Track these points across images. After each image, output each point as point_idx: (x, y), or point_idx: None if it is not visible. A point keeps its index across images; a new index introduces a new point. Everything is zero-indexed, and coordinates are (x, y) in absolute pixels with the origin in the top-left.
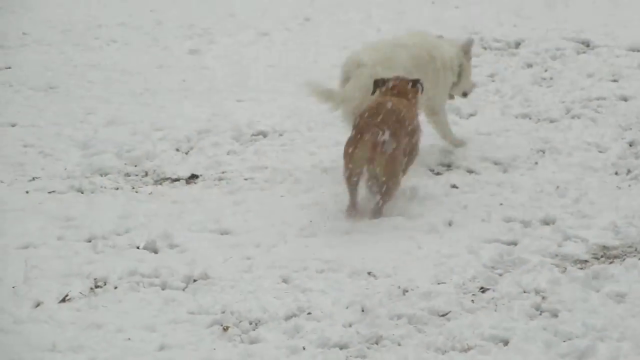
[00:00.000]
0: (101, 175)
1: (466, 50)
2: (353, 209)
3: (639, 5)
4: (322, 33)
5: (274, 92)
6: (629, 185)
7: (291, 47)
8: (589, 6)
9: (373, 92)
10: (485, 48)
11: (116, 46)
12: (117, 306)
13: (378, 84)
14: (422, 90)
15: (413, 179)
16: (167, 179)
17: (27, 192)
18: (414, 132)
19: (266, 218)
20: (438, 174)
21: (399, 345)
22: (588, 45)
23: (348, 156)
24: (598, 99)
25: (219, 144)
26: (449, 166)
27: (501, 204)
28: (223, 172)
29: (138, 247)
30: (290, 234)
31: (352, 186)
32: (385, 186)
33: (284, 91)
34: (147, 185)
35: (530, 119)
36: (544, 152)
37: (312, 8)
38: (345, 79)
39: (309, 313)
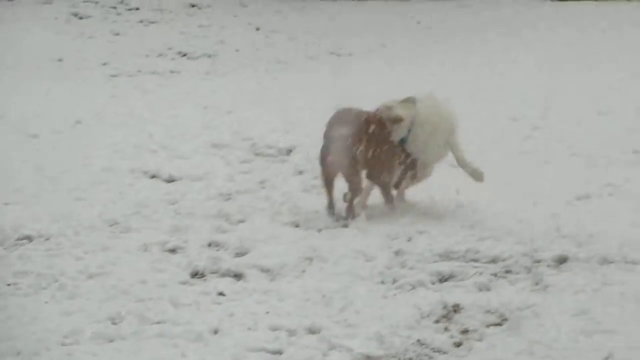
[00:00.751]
0: None
1: None
2: (331, 209)
3: None
4: (92, 136)
5: (40, 195)
6: (395, 295)
7: (61, 149)
8: None
9: None
10: (257, 154)
11: None
12: None
13: None
14: None
15: (178, 286)
16: None
17: None
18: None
19: (28, 325)
20: (205, 279)
21: None
22: None
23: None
24: (368, 208)
25: None
26: (215, 272)
27: (268, 312)
28: None
29: None
30: (53, 341)
31: (328, 188)
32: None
33: (52, 193)
34: None
35: (298, 226)
36: (311, 260)
37: (83, 110)
38: None
39: None
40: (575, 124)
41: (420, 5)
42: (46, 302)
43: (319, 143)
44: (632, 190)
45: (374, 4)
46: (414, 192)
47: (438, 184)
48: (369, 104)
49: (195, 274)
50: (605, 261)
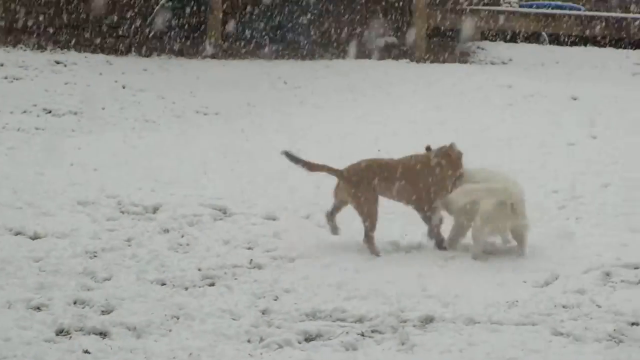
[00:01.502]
0: None
1: None
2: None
3: (273, 176)
4: None
5: None
6: (261, 354)
7: None
8: (228, 173)
9: None
10: (123, 212)
11: None
12: None
13: None
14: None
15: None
16: None
17: None
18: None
19: None
20: (71, 337)
21: None
22: (225, 212)
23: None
24: (234, 266)
25: None
26: (81, 330)
27: None
28: None
29: None
30: None
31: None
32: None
33: None
34: None
35: (165, 284)
36: (178, 319)
37: None
38: None
39: None
40: None
41: (286, 65)
42: None
43: (185, 202)
44: (547, 249)
45: (239, 63)
46: (277, 250)
47: (302, 242)
48: (239, 162)
49: (60, 332)
50: (470, 321)
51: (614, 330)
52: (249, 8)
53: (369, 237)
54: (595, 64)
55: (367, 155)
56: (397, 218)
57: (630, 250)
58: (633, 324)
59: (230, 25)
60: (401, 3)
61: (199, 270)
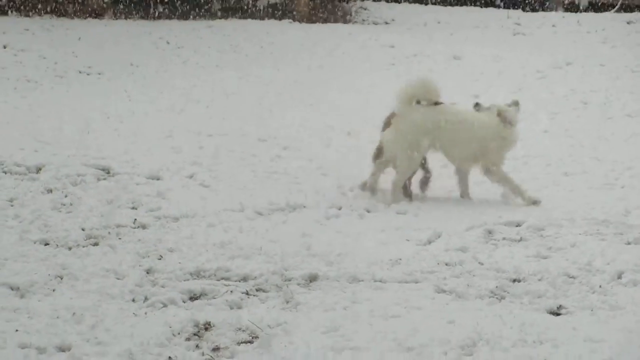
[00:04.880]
0: None
1: None
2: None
3: (157, 136)
4: None
5: None
6: (146, 313)
7: None
8: (111, 134)
9: None
10: (5, 172)
11: None
12: None
13: None
14: None
15: None
16: None
17: None
18: None
19: None
20: None
21: None
22: (109, 172)
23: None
24: (118, 226)
25: None
26: None
27: (17, 330)
28: None
29: None
30: None
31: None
32: None
33: None
34: None
35: (48, 244)
36: (62, 278)
37: None
38: None
39: None
40: (325, 146)
41: (169, 25)
42: None
43: (68, 162)
44: (374, 209)
45: (122, 23)
46: (161, 210)
47: (185, 202)
48: (122, 122)
49: None
50: (354, 279)
51: (496, 287)
52: None
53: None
54: (477, 24)
55: (249, 116)
56: (282, 177)
57: (511, 208)
58: (514, 280)
59: None
60: None
61: (83, 230)
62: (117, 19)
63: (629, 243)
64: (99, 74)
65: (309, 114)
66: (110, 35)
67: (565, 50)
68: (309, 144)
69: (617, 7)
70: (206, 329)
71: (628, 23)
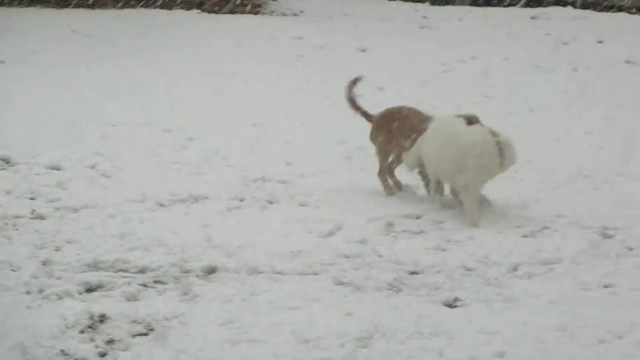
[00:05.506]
0: None
1: None
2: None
3: (60, 125)
4: None
5: None
6: (40, 305)
7: None
8: (12, 122)
9: None
10: None
11: None
12: None
13: None
14: None
15: None
16: None
17: None
18: None
19: None
20: None
21: None
22: (8, 162)
23: None
24: (15, 217)
25: None
26: None
27: None
28: None
29: None
30: None
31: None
32: None
33: None
34: None
35: None
36: None
37: None
38: None
39: None
40: (231, 137)
41: (75, 14)
42: None
43: None
44: (276, 201)
45: (24, 10)
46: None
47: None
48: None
49: None
50: (254, 271)
51: (394, 279)
52: None
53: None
54: (384, 17)
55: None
56: (185, 168)
57: (412, 200)
58: (412, 272)
59: None
60: None
61: None
62: (27, 6)
63: (525, 236)
64: (1, 62)
65: (216, 104)
66: (14, 23)
67: (471, 44)
68: (215, 135)
69: (522, 2)
70: (101, 321)
71: (532, 18)
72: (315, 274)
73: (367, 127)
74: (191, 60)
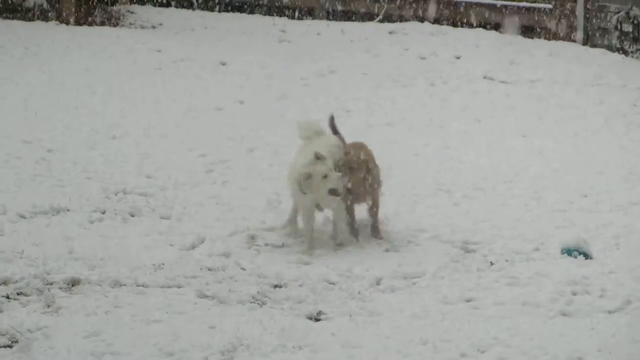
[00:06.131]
0: None
1: None
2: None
3: None
4: None
5: None
6: None
7: None
8: None
9: None
10: None
11: None
12: None
13: None
14: None
15: None
16: None
17: None
18: None
19: None
20: None
21: None
22: None
23: None
24: None
25: None
26: None
27: None
28: None
29: None
30: None
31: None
32: None
33: None
34: None
35: None
36: None
37: None
38: None
39: None
40: (90, 149)
41: None
42: None
43: None
44: (138, 214)
45: None
46: None
47: None
48: None
49: None
50: (117, 284)
51: (258, 292)
52: None
53: None
54: (244, 31)
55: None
56: (46, 180)
57: (274, 213)
58: (276, 286)
59: None
60: None
61: None
62: None
63: (387, 250)
64: None
65: (74, 116)
66: None
67: (329, 58)
68: (74, 147)
69: (379, 17)
70: None
71: (390, 33)
72: (179, 287)
73: None
74: (47, 72)
